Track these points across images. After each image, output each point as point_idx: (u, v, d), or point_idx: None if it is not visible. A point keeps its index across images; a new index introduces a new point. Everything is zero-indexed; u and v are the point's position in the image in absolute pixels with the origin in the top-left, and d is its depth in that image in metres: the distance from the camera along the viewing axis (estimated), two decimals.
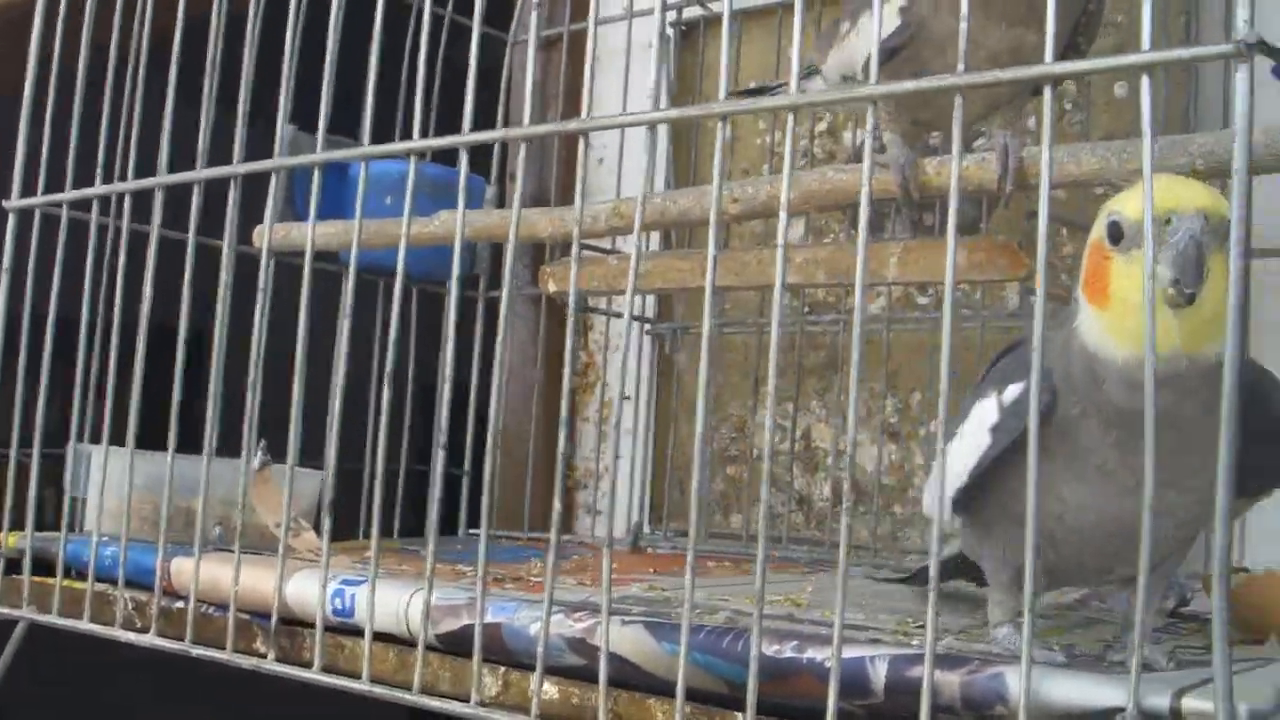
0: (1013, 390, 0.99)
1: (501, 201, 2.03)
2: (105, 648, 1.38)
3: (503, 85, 2.13)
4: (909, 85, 0.93)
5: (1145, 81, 0.82)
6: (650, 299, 2.05)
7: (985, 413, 1.01)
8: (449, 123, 1.29)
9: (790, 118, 0.96)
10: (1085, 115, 1.70)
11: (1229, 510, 0.78)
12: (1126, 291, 0.88)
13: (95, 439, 1.54)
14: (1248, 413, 0.89)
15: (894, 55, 1.23)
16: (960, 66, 0.90)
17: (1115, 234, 0.90)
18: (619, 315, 2.07)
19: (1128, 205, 0.89)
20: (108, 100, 1.52)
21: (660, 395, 2.08)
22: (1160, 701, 0.83)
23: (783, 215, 0.95)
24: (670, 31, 2.12)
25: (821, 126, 1.97)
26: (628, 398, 2.05)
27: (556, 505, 1.05)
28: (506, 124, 2.09)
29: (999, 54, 1.19)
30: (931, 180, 1.20)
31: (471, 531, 2.01)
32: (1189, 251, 0.84)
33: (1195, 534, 1.01)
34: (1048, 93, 0.86)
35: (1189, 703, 0.83)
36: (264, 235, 1.38)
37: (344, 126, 1.45)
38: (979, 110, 1.28)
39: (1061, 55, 1.23)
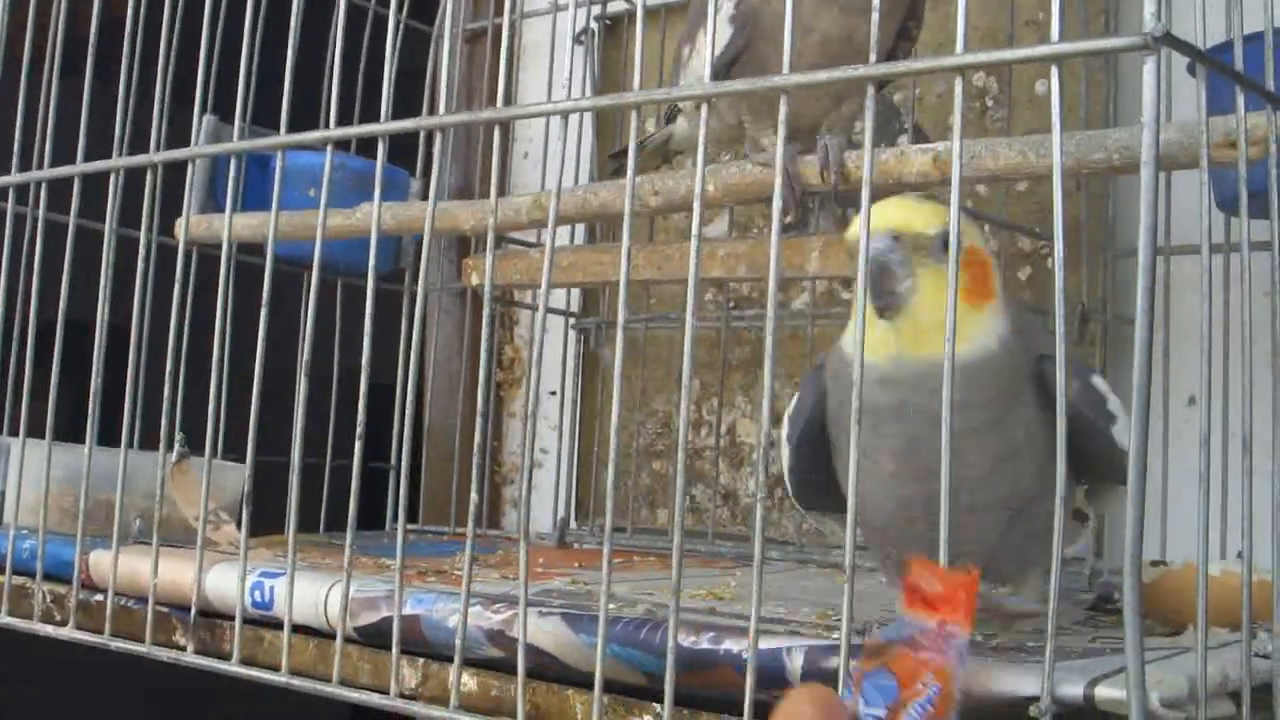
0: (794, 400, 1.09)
1: (426, 193, 2.03)
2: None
3: (428, 81, 2.13)
4: (822, 76, 0.93)
5: (1054, 72, 0.83)
6: (575, 293, 2.05)
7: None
8: (374, 117, 1.29)
9: (704, 109, 0.97)
10: (1006, 112, 1.71)
11: (1140, 501, 0.79)
12: (855, 304, 0.93)
13: (13, 431, 1.53)
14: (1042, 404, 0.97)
15: (734, 64, 1.25)
16: (873, 58, 0.90)
17: (852, 253, 0.94)
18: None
19: (849, 228, 0.97)
20: (23, 86, 1.51)
21: (586, 390, 2.07)
22: (1074, 690, 0.85)
23: (697, 207, 0.95)
24: (595, 25, 2.12)
25: (746, 117, 1.96)
26: (553, 393, 2.05)
27: (474, 497, 1.05)
28: (433, 112, 2.09)
29: (832, 39, 1.21)
30: (850, 174, 1.20)
31: (397, 526, 2.00)
32: (873, 271, 0.92)
33: (1007, 524, 1.03)
34: (958, 84, 0.86)
35: (1102, 691, 0.84)
36: (182, 226, 1.37)
37: (270, 119, 1.44)
38: (823, 106, 1.29)
39: (894, 44, 1.28)
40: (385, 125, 1.15)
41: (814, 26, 1.20)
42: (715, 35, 1.01)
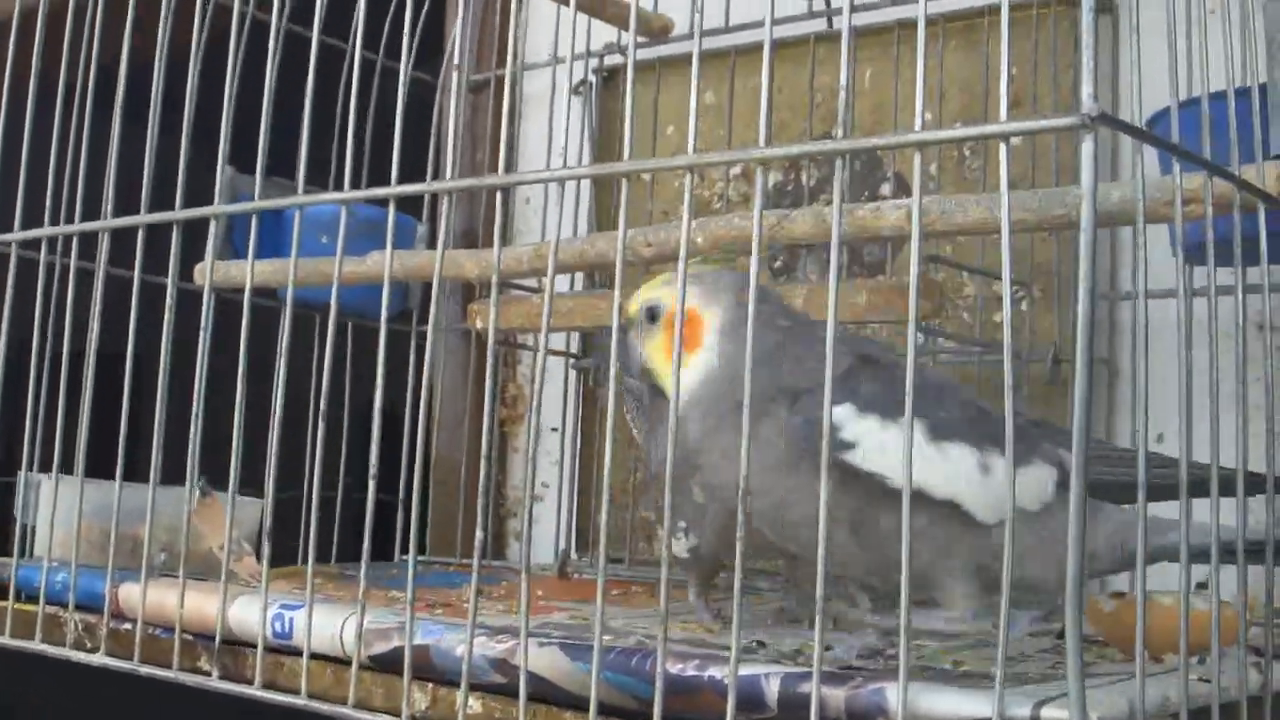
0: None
1: (432, 239, 2.10)
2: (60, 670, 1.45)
3: (433, 125, 2.21)
4: (795, 149, 1.01)
5: (1003, 149, 0.92)
6: (575, 335, 2.12)
7: None
8: (381, 161, 1.35)
9: (688, 176, 1.05)
10: (982, 161, 1.78)
11: (1080, 533, 0.86)
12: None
13: (44, 468, 1.60)
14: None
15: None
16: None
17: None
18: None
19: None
20: (55, 140, 1.59)
21: (585, 427, 2.14)
22: (1021, 712, 0.92)
23: (681, 266, 1.03)
24: (593, 78, 2.19)
25: (736, 170, 2.05)
26: (555, 430, 2.12)
27: (479, 534, 1.13)
28: (437, 165, 2.16)
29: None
30: (869, 222, 1.26)
31: (405, 557, 2.07)
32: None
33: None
34: (916, 159, 0.95)
35: (1047, 713, 0.91)
36: (206, 274, 1.44)
37: (278, 164, 1.52)
38: None
39: None
40: (394, 189, 1.23)
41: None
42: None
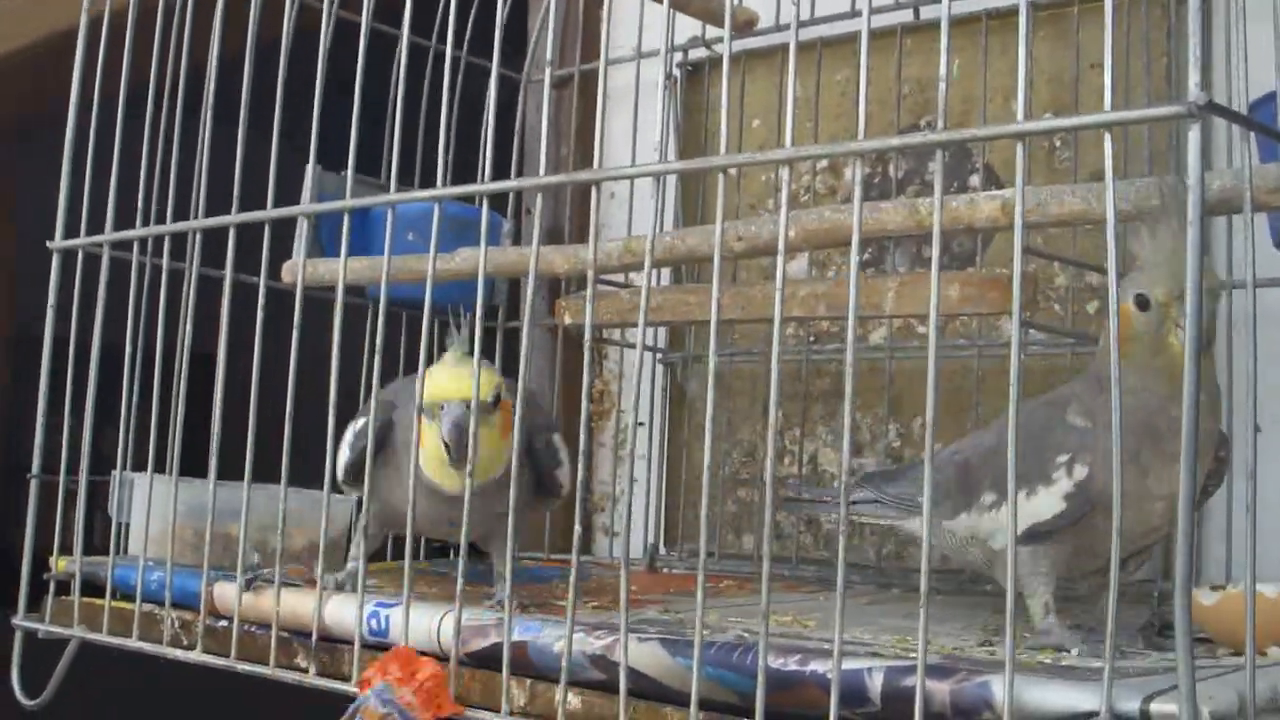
0: (360, 421, 1.47)
1: (518, 236, 2.10)
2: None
3: (518, 122, 2.21)
4: (894, 142, 1.00)
5: (1107, 139, 0.91)
6: (662, 330, 2.12)
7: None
8: (466, 158, 1.35)
9: (786, 171, 1.04)
10: (1073, 152, 1.77)
11: (1190, 530, 0.85)
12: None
13: (138, 467, 1.61)
14: None
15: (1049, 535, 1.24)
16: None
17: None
18: (631, 346, 2.12)
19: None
20: (146, 141, 1.60)
21: (673, 421, 2.14)
22: (1131, 705, 0.91)
23: (780, 261, 1.03)
24: (677, 72, 2.19)
25: (823, 163, 2.02)
26: (641, 424, 2.11)
27: (577, 529, 1.13)
28: (522, 160, 2.16)
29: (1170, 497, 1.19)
30: (963, 214, 1.25)
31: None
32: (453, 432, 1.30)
33: None
34: (1020, 150, 0.94)
35: (1157, 706, 0.90)
36: (296, 273, 1.45)
37: (364, 162, 1.52)
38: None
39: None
40: (485, 186, 1.24)
41: (1158, 494, 1.17)
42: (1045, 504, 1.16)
